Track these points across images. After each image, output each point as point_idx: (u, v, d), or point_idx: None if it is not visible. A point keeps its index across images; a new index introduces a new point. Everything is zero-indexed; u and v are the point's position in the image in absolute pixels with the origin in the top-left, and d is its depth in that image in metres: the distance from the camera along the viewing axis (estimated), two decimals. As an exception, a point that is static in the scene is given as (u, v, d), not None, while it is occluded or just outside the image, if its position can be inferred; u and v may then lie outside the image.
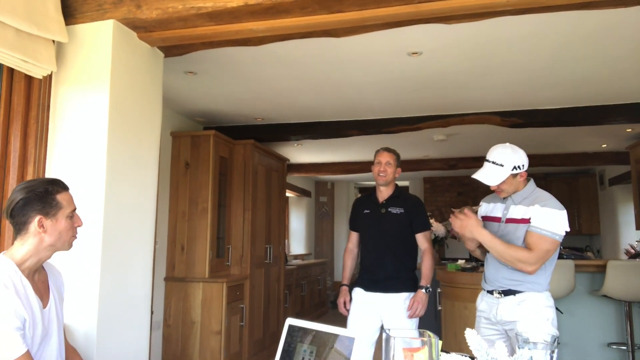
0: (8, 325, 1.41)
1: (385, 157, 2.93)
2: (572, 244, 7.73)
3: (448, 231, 6.17)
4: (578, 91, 4.01)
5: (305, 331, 1.64)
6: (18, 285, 1.50)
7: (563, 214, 2.19)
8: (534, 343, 1.36)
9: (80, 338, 2.19)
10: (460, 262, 4.72)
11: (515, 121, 4.58)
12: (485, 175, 2.22)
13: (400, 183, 9.75)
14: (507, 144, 2.28)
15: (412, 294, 2.86)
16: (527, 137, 5.63)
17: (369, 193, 3.11)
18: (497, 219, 2.35)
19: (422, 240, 2.95)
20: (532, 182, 2.32)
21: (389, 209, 2.93)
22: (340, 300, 2.97)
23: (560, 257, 3.82)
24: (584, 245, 7.83)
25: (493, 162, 2.21)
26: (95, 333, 2.20)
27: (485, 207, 2.48)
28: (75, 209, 1.66)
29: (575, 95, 4.13)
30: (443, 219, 8.43)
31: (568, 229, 2.19)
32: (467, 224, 2.24)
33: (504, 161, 2.19)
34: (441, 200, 8.85)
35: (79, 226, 1.68)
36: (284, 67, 3.49)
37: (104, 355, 2.24)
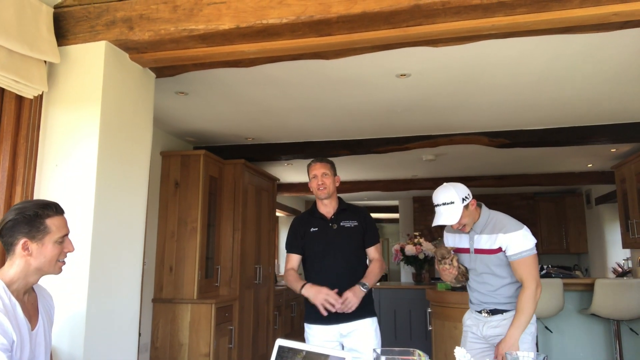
0: (-6, 346, 1.39)
1: (320, 169, 2.71)
2: (560, 262, 7.78)
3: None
4: (562, 112, 4.10)
5: (295, 352, 1.63)
6: (7, 305, 1.48)
7: (525, 230, 2.37)
8: (523, 362, 1.37)
9: (66, 361, 2.15)
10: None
11: (502, 141, 4.65)
12: (445, 217, 2.32)
13: (390, 203, 9.81)
14: (444, 184, 2.42)
15: (373, 319, 2.63)
16: (514, 157, 5.71)
17: (308, 210, 2.85)
18: (466, 250, 2.48)
19: (373, 252, 2.73)
20: (484, 208, 2.44)
21: (341, 223, 2.70)
22: (321, 297, 2.47)
23: (548, 275, 3.85)
24: (572, 264, 7.88)
25: (444, 204, 2.33)
26: (81, 356, 2.16)
27: (452, 239, 2.58)
28: (66, 234, 1.64)
29: (560, 116, 4.22)
30: (433, 238, 8.45)
31: (535, 240, 2.38)
32: (509, 345, 2.23)
33: (452, 199, 2.31)
34: (430, 220, 8.84)
35: (69, 252, 1.65)
36: (274, 87, 3.52)
37: (90, 379, 2.20)
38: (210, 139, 4.99)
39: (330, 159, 5.04)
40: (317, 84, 3.45)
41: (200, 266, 4.31)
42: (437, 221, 2.34)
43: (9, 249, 1.56)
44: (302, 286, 2.56)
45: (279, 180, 6.14)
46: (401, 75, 3.27)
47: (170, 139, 4.77)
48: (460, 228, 2.38)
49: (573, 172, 6.68)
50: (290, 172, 6.77)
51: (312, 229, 2.73)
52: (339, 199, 2.83)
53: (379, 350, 1.20)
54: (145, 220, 2.67)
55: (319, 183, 2.69)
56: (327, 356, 1.54)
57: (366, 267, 2.72)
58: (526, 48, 2.86)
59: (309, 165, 2.78)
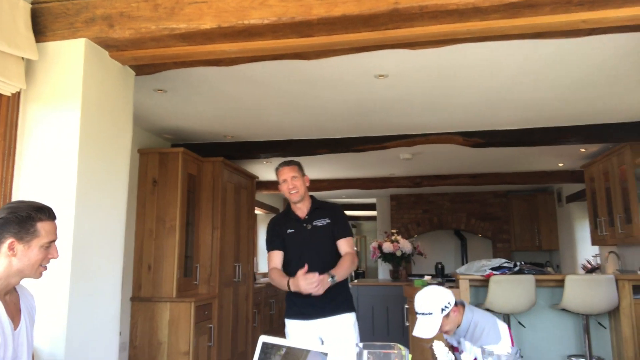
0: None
1: (288, 173, 2.72)
2: (532, 259, 8.02)
3: (414, 247, 6.31)
4: (535, 113, 4.23)
5: (278, 348, 1.66)
6: (-11, 306, 1.48)
7: (505, 340, 2.25)
8: (498, 355, 1.43)
9: (46, 361, 2.14)
10: (427, 277, 4.82)
11: (477, 141, 4.76)
12: (422, 329, 2.29)
13: (368, 200, 9.91)
14: (427, 288, 2.38)
15: (350, 315, 2.67)
16: (488, 156, 5.85)
17: (283, 212, 2.89)
18: (456, 349, 2.44)
19: (344, 245, 2.70)
20: (467, 310, 2.37)
21: (314, 223, 2.72)
22: (302, 285, 2.47)
23: (521, 272, 3.97)
24: (544, 261, 8.12)
25: (422, 314, 2.31)
26: (62, 356, 2.15)
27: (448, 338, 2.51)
28: (54, 240, 1.64)
29: (532, 117, 4.35)
30: (409, 235, 8.58)
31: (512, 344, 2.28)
32: None
33: (430, 309, 2.29)
34: (407, 217, 9.01)
35: (53, 258, 1.65)
36: (254, 86, 3.54)
37: (69, 378, 2.19)
38: (188, 136, 4.97)
39: (309, 157, 4.97)
40: (297, 83, 3.48)
41: (179, 265, 4.30)
42: (416, 332, 2.29)
43: None
44: (287, 283, 2.58)
45: (257, 178, 6.15)
46: (379, 75, 3.33)
47: (147, 136, 4.74)
48: (446, 335, 2.37)
49: (545, 171, 6.87)
50: (269, 170, 6.77)
51: (288, 231, 2.76)
52: (312, 197, 2.84)
53: (361, 345, 1.24)
54: (125, 220, 2.66)
55: (289, 187, 2.71)
56: (308, 351, 1.58)
57: None
58: (500, 51, 2.96)
59: (277, 170, 2.78)
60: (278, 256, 2.78)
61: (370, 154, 5.33)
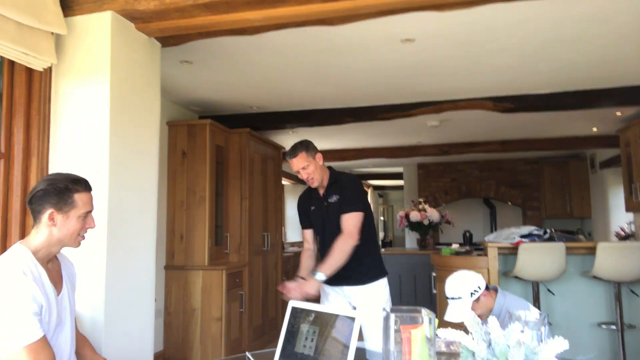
0: (26, 310, 1.46)
1: (297, 165, 2.60)
2: (564, 227, 7.87)
3: (442, 216, 6.28)
4: (568, 76, 4.08)
5: (307, 312, 1.70)
6: (34, 272, 1.55)
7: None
8: (525, 320, 1.43)
9: (88, 325, 2.25)
10: (454, 246, 4.82)
11: (507, 106, 4.64)
12: (452, 314, 2.25)
13: (395, 169, 9.84)
14: (456, 273, 2.33)
15: (378, 282, 2.65)
16: (519, 122, 5.70)
17: (308, 188, 2.83)
18: None
19: (342, 223, 2.56)
20: (499, 295, 2.32)
21: (329, 200, 2.68)
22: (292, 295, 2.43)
23: (551, 239, 3.92)
24: (575, 229, 7.98)
25: (452, 298, 2.27)
26: (102, 321, 2.26)
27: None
28: (90, 211, 1.70)
29: (565, 80, 4.20)
30: (437, 204, 8.53)
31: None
32: None
33: (459, 293, 2.25)
34: (435, 186, 8.95)
35: (90, 228, 1.71)
36: (279, 55, 3.52)
37: (111, 342, 2.30)
38: (215, 108, 5.00)
39: (335, 126, 4.87)
40: (322, 50, 3.44)
41: (210, 234, 4.40)
42: (447, 317, 2.25)
43: (36, 217, 1.62)
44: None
45: (284, 148, 6.17)
46: (406, 40, 3.25)
47: (175, 109, 4.79)
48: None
49: (577, 136, 6.67)
50: (296, 140, 6.78)
51: (311, 208, 2.77)
52: (330, 171, 2.75)
53: (388, 309, 1.26)
54: (157, 191, 2.73)
55: (304, 177, 2.64)
56: (336, 316, 1.61)
57: (369, 236, 2.68)
58: (532, 11, 2.84)
59: (287, 160, 2.69)
60: (307, 234, 2.83)
61: (396, 122, 5.27)
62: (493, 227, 8.71)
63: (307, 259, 2.75)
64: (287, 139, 6.58)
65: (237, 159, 4.87)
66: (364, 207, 2.64)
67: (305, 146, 2.63)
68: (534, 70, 3.91)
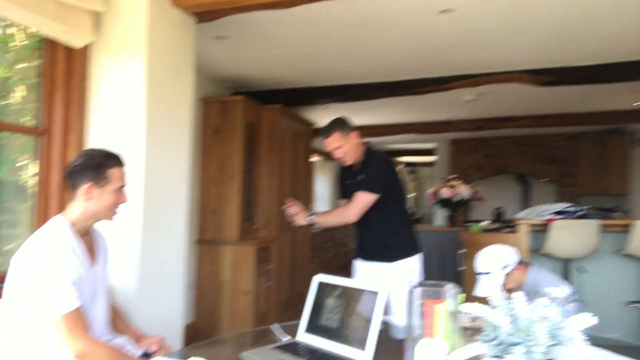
0: (64, 280, 1.54)
1: (330, 145, 2.59)
2: (600, 204, 7.61)
3: (474, 193, 6.19)
4: (612, 47, 3.90)
5: (333, 287, 1.74)
6: (73, 244, 1.63)
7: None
8: (553, 296, 1.43)
9: (121, 297, 2.35)
10: (484, 223, 4.76)
11: (546, 79, 4.49)
12: (482, 288, 2.23)
13: (426, 145, 9.70)
14: (486, 248, 2.29)
15: (408, 259, 2.66)
16: (557, 95, 5.52)
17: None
18: None
19: (353, 197, 2.59)
20: (532, 269, 2.28)
21: (358, 177, 2.68)
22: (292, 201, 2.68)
23: (584, 216, 3.83)
24: (613, 206, 7.73)
25: (481, 273, 2.25)
26: (135, 293, 2.36)
27: None
28: (123, 186, 1.76)
29: (609, 51, 4.01)
30: (469, 180, 8.40)
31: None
32: None
33: (489, 268, 2.22)
34: (467, 162, 8.79)
35: (123, 202, 1.77)
36: (311, 29, 3.50)
37: (143, 313, 2.40)
38: (248, 84, 5.03)
39: (367, 101, 4.80)
40: (355, 24, 3.40)
41: (241, 210, 4.48)
42: (475, 291, 2.23)
43: (73, 191, 1.69)
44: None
45: (315, 124, 6.18)
46: (443, 11, 3.17)
47: (209, 86, 4.85)
48: (507, 292, 2.25)
49: (618, 110, 6.40)
50: (327, 117, 6.75)
51: (346, 182, 2.78)
52: (365, 148, 2.72)
53: (413, 283, 1.28)
54: (190, 167, 2.79)
55: (338, 157, 2.63)
56: (361, 291, 1.65)
57: (390, 214, 2.67)
58: (573, -20, 2.72)
59: (321, 139, 2.68)
60: (342, 204, 2.81)
61: (430, 96, 5.18)
62: (526, 204, 8.52)
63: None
64: (318, 115, 6.57)
65: (268, 135, 4.91)
66: (382, 190, 2.59)
67: (339, 125, 2.59)
68: (576, 41, 3.76)
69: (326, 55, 4.07)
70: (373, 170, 2.61)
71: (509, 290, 2.27)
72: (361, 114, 6.50)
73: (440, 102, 5.80)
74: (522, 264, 2.31)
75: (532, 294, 2.24)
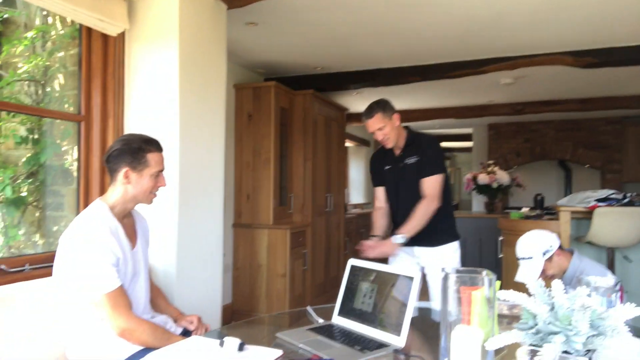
0: (105, 261, 1.59)
1: (373, 126, 2.55)
2: (648, 191, 7.30)
3: (512, 179, 6.04)
4: (662, 26, 3.69)
5: (366, 271, 1.73)
6: (112, 227, 1.68)
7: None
8: (595, 286, 1.37)
9: (162, 277, 2.42)
10: (524, 210, 4.63)
11: (590, 61, 4.29)
12: (523, 274, 2.17)
13: (463, 130, 9.50)
14: (528, 233, 2.24)
15: (449, 245, 2.64)
16: (601, 78, 5.27)
17: (382, 147, 2.76)
18: None
19: (423, 186, 2.55)
20: (574, 257, 2.21)
21: (405, 161, 2.63)
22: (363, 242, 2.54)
23: (630, 204, 3.67)
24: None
25: (522, 258, 2.20)
26: (174, 273, 2.42)
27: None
28: (162, 170, 1.79)
29: (658, 31, 3.80)
30: (508, 166, 8.19)
31: None
32: None
33: (530, 253, 2.17)
34: (506, 147, 8.56)
35: (161, 186, 1.80)
36: (343, 12, 3.45)
37: (182, 293, 2.47)
38: (280, 69, 5.03)
39: (400, 85, 4.74)
40: (388, 5, 3.33)
41: (275, 194, 4.53)
42: (518, 278, 2.17)
43: (112, 175, 1.74)
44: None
45: (348, 110, 6.13)
46: (477, -8, 3.07)
47: (242, 72, 4.87)
48: (549, 278, 2.18)
49: (669, 92, 6.07)
50: (360, 102, 6.71)
51: (385, 167, 2.72)
52: (407, 130, 2.70)
53: (447, 269, 1.25)
54: (224, 151, 2.82)
55: (379, 139, 2.59)
56: (397, 276, 1.63)
57: (445, 199, 2.64)
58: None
59: (363, 120, 2.64)
60: (380, 192, 2.78)
61: (466, 80, 5.05)
62: (568, 190, 8.26)
63: (380, 217, 2.75)
64: (351, 100, 6.52)
65: (301, 120, 4.91)
66: (445, 170, 2.62)
67: (382, 107, 2.56)
68: (623, 20, 3.56)
69: (358, 39, 4.02)
70: (431, 151, 2.59)
71: (551, 277, 2.21)
72: (395, 98, 6.38)
73: (477, 85, 5.65)
74: (565, 250, 2.25)
75: (575, 282, 2.19)
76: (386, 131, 2.54)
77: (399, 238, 2.47)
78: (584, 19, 3.55)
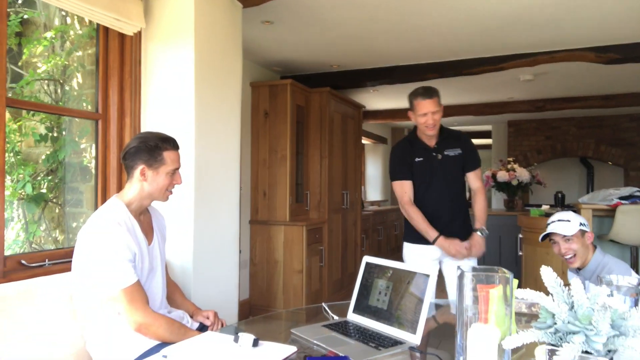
0: (122, 257, 1.61)
1: (429, 107, 2.50)
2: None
3: (533, 176, 5.94)
4: (689, 18, 3.58)
5: (381, 268, 1.72)
6: (128, 224, 1.69)
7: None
8: (617, 285, 1.34)
9: (179, 273, 2.44)
10: (544, 207, 4.55)
11: (612, 57, 4.19)
12: (558, 227, 2.17)
13: (482, 127, 9.38)
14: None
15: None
16: (625, 73, 5.15)
17: (407, 138, 2.73)
18: None
19: (474, 179, 2.68)
20: (598, 251, 2.19)
21: (446, 153, 2.61)
22: (453, 249, 2.52)
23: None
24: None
25: (560, 220, 2.18)
26: (191, 269, 2.44)
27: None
28: (178, 168, 1.80)
29: (685, 24, 3.69)
30: (528, 164, 8.06)
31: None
32: None
33: (569, 217, 2.18)
34: (526, 145, 8.43)
35: (177, 184, 1.81)
36: (359, 10, 3.42)
37: (199, 289, 2.48)
38: (296, 67, 5.03)
39: (417, 83, 4.76)
40: (404, 2, 3.29)
41: (291, 191, 4.54)
42: (548, 229, 2.21)
43: (129, 172, 1.76)
44: (436, 239, 2.55)
45: (364, 107, 6.10)
46: (496, -13, 3.02)
47: (258, 70, 4.89)
48: (569, 261, 2.19)
49: (696, 88, 5.90)
50: (376, 99, 6.67)
51: (416, 159, 2.63)
52: (440, 125, 2.67)
53: (463, 268, 1.23)
54: (239, 149, 2.83)
55: (429, 122, 2.53)
56: (414, 273, 1.61)
57: (465, 193, 2.70)
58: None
59: (414, 99, 2.56)
60: (409, 186, 2.64)
61: (485, 76, 4.98)
62: (589, 188, 8.09)
63: (417, 211, 2.61)
64: (368, 98, 6.49)
65: (317, 118, 4.91)
66: None
67: (438, 93, 2.58)
68: (646, 13, 3.47)
69: (375, 36, 3.99)
70: (471, 144, 2.71)
71: (573, 256, 2.18)
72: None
73: (496, 82, 5.57)
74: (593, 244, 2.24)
75: (595, 278, 2.15)
76: (437, 117, 2.56)
77: (485, 231, 2.60)
78: (606, 15, 3.46)
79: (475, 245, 2.57)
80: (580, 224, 2.17)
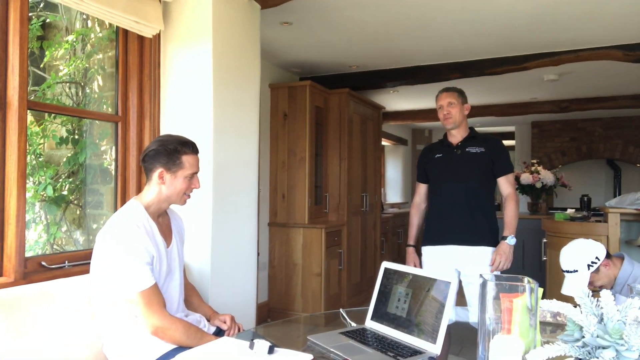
0: (140, 259, 1.61)
1: (445, 99, 2.66)
2: None
3: (557, 179, 5.80)
4: None
5: (401, 274, 1.68)
6: (146, 226, 1.69)
7: None
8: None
9: (196, 276, 2.44)
10: (570, 211, 4.44)
11: (641, 55, 4.06)
12: (568, 288, 2.07)
13: (506, 129, 9.21)
14: (571, 243, 2.13)
15: (489, 248, 2.58)
16: (655, 72, 4.99)
17: (440, 140, 2.84)
18: None
19: (505, 184, 2.65)
20: (627, 262, 2.07)
21: (466, 149, 2.65)
22: (410, 265, 2.69)
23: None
24: None
25: (567, 271, 2.08)
26: (209, 272, 2.43)
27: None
28: (196, 172, 1.80)
29: None
30: (552, 166, 7.89)
31: None
32: None
33: (575, 266, 2.05)
34: (550, 146, 8.24)
35: (195, 188, 1.81)
36: (378, 10, 3.38)
37: (217, 291, 2.48)
38: (315, 68, 5.00)
39: (439, 83, 4.72)
40: (425, 2, 3.24)
41: (310, 194, 4.51)
42: (564, 290, 2.09)
43: (147, 175, 1.77)
44: (409, 245, 2.83)
45: (384, 108, 6.05)
46: (519, -15, 2.94)
47: (277, 71, 4.88)
48: (597, 289, 2.09)
49: None
50: (396, 100, 6.61)
51: (436, 155, 2.75)
52: (470, 128, 2.75)
53: (486, 276, 1.19)
54: (258, 151, 2.82)
55: (444, 113, 2.66)
56: (434, 280, 1.57)
57: (492, 193, 2.68)
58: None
59: (436, 96, 2.76)
60: (422, 189, 2.87)
61: (507, 76, 4.88)
62: (617, 191, 7.87)
63: (416, 215, 2.86)
64: (387, 99, 6.43)
65: (336, 119, 4.88)
66: None
67: (459, 90, 2.72)
68: (678, 10, 3.34)
69: (395, 36, 3.94)
70: (503, 149, 2.69)
71: (600, 287, 2.09)
72: (433, 96, 6.26)
73: (519, 82, 5.46)
74: (613, 257, 2.11)
75: (626, 290, 2.06)
76: (453, 110, 2.63)
77: (512, 239, 2.55)
78: (633, 11, 3.35)
79: (500, 254, 2.53)
80: (589, 265, 2.03)
